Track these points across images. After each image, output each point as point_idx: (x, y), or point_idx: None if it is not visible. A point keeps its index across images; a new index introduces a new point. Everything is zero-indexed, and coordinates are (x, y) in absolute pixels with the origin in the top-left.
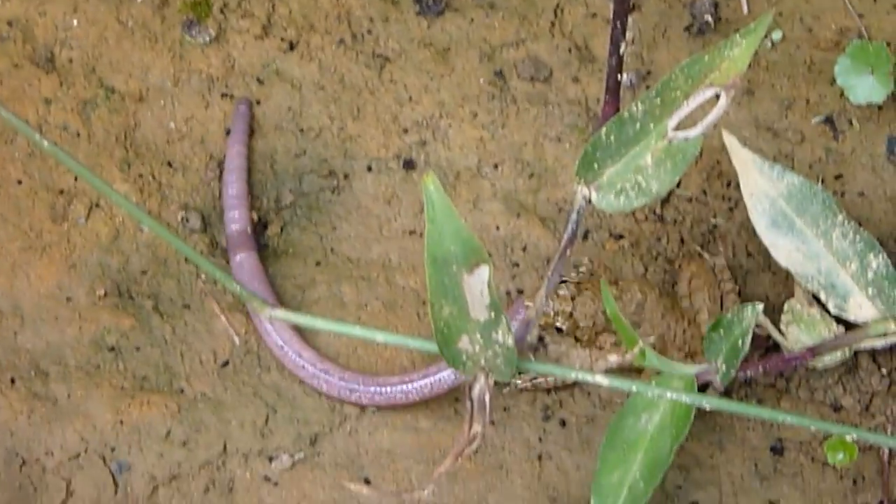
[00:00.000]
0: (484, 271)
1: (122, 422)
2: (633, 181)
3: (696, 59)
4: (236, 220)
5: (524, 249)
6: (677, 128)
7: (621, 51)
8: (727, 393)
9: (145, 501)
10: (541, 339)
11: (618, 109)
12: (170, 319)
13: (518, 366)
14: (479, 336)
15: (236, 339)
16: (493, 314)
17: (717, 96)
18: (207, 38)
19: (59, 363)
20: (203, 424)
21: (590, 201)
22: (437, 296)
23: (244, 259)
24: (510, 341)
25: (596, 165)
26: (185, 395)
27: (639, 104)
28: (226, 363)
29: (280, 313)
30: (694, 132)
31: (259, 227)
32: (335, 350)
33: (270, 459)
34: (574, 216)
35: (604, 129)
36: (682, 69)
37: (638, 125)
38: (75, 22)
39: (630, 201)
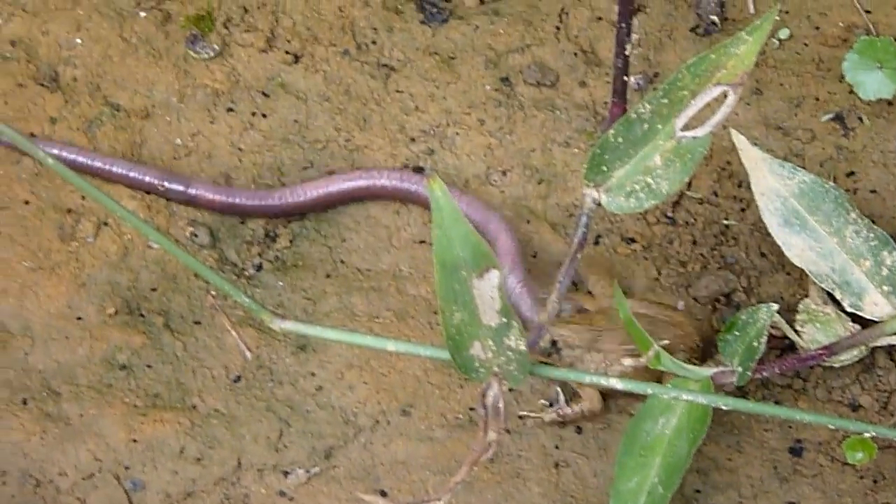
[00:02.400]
0: (494, 276)
1: (135, 440)
2: (642, 182)
3: (703, 57)
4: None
5: (534, 256)
6: (685, 127)
7: (627, 51)
8: (744, 395)
9: None
10: (553, 343)
11: (625, 111)
12: (181, 336)
13: (531, 370)
14: (490, 342)
15: (248, 354)
16: (504, 319)
17: (725, 94)
18: (211, 53)
19: (71, 382)
20: (217, 440)
21: (599, 204)
22: (447, 302)
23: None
24: (523, 346)
25: (604, 167)
26: (197, 412)
27: (646, 104)
28: (238, 378)
29: (290, 325)
30: (702, 131)
31: (268, 241)
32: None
33: (285, 474)
34: (584, 219)
35: (612, 130)
36: (689, 67)
37: (646, 125)
38: (78, 40)
39: (640, 202)
